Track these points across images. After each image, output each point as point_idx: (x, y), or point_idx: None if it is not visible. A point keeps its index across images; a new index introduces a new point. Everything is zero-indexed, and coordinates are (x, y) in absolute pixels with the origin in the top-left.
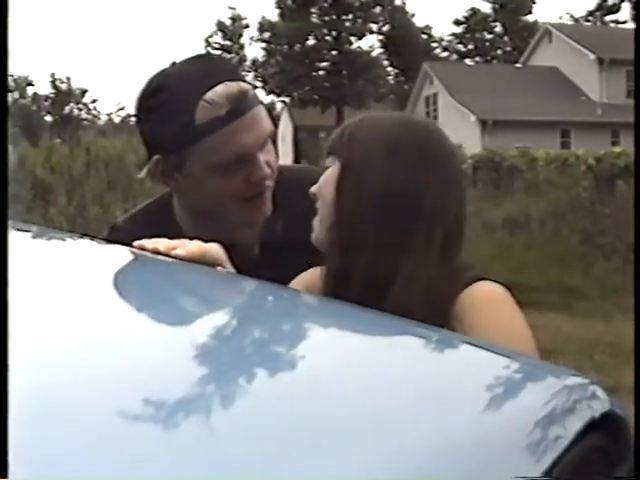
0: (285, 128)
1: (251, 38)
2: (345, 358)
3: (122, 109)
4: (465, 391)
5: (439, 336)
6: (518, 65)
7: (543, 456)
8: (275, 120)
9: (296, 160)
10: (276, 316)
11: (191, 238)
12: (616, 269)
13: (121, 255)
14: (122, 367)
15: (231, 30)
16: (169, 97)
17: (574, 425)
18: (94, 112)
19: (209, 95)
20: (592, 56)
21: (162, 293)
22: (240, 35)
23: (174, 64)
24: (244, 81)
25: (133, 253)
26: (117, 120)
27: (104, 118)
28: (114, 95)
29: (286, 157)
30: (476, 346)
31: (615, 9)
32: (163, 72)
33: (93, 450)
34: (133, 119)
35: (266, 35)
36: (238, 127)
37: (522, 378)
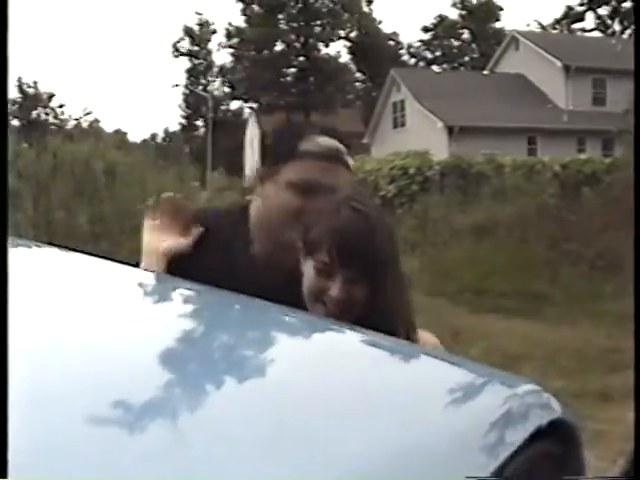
0: (252, 134)
1: (219, 44)
2: (305, 366)
3: (89, 114)
4: (417, 398)
5: (400, 347)
6: (485, 72)
7: (490, 460)
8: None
9: (263, 164)
10: (241, 325)
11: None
12: (582, 275)
13: (93, 264)
14: (92, 371)
15: (199, 36)
16: (290, 131)
17: (522, 431)
18: (61, 117)
19: (316, 137)
20: (559, 64)
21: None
22: (208, 41)
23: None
24: (347, 146)
25: (105, 263)
26: (85, 125)
27: (72, 123)
28: (82, 100)
29: (254, 162)
30: (433, 356)
31: (581, 17)
32: (293, 120)
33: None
34: (101, 124)
35: (234, 41)
36: (322, 165)
37: (474, 386)
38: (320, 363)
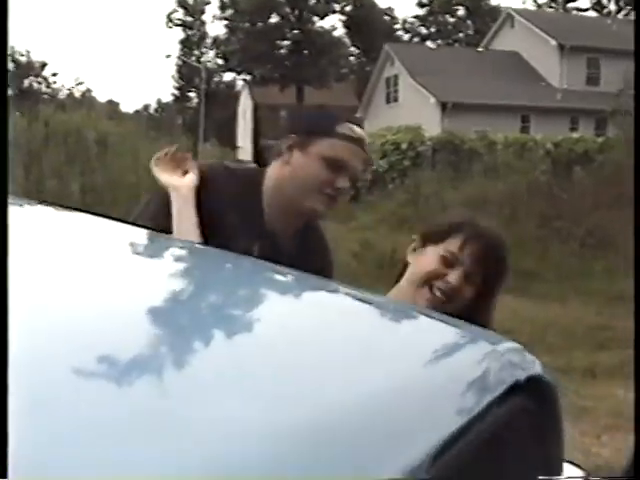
0: (245, 106)
1: (213, 15)
2: (293, 321)
3: (81, 83)
4: (401, 351)
5: (390, 304)
6: (480, 49)
7: (466, 410)
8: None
9: (255, 137)
10: (232, 283)
11: (276, 199)
12: (572, 253)
13: (82, 221)
14: (81, 328)
15: (192, 6)
16: (327, 114)
17: (500, 385)
18: (54, 86)
19: (351, 125)
20: (553, 42)
21: (124, 259)
22: (202, 12)
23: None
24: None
25: (97, 220)
26: (77, 94)
27: (64, 92)
28: (74, 69)
29: (246, 133)
30: (422, 314)
31: None
32: (324, 106)
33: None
34: (93, 94)
35: (228, 12)
36: (355, 148)
37: (457, 342)
38: (308, 318)
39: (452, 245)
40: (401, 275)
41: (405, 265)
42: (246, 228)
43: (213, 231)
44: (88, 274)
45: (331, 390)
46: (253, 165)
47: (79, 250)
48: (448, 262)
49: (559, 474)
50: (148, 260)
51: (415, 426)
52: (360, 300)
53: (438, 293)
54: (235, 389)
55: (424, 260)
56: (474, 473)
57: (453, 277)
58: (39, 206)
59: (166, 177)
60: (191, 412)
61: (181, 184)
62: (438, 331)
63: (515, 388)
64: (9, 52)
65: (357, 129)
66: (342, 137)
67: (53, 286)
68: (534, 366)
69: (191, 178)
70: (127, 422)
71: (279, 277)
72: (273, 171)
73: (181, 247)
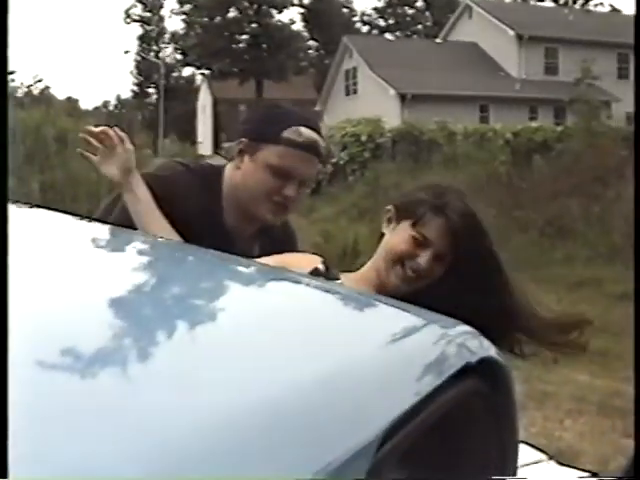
0: (205, 101)
1: (171, 10)
2: (252, 310)
3: (40, 81)
4: (353, 336)
5: (347, 292)
6: (438, 40)
7: (417, 392)
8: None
9: (215, 132)
10: (194, 275)
11: (232, 202)
12: (532, 241)
13: (46, 218)
14: (42, 320)
15: (150, 2)
16: (277, 113)
17: (451, 367)
18: (12, 84)
19: (299, 127)
20: (511, 32)
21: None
22: (160, 7)
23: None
24: (322, 138)
25: (57, 216)
26: (35, 92)
27: (22, 90)
28: (32, 67)
29: (206, 129)
30: (377, 301)
31: None
32: (280, 104)
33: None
34: (52, 91)
35: (186, 7)
36: (301, 155)
37: (410, 326)
38: (265, 307)
39: (424, 223)
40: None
41: (381, 235)
42: (204, 227)
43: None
44: (51, 270)
45: (284, 374)
46: (209, 163)
47: (41, 247)
48: (419, 243)
49: (514, 456)
50: (111, 254)
51: (366, 407)
52: (316, 288)
53: (409, 272)
54: (194, 376)
55: (396, 239)
56: (426, 453)
57: (423, 259)
58: None
59: (111, 170)
60: (154, 399)
61: (134, 181)
62: (391, 316)
63: (468, 371)
64: None
65: (306, 132)
66: (288, 143)
67: (18, 284)
68: (488, 350)
69: (135, 176)
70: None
71: (240, 268)
72: (228, 174)
73: (143, 241)
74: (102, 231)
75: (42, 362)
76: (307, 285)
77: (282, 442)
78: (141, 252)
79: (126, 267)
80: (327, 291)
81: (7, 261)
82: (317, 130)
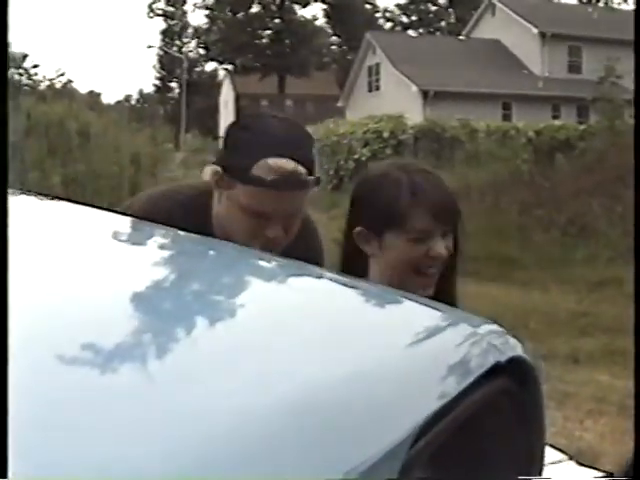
0: (227, 95)
1: (194, 5)
2: (277, 307)
3: (63, 74)
4: (382, 335)
5: (370, 288)
6: (461, 37)
7: (447, 391)
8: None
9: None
10: (211, 269)
11: (219, 234)
12: (553, 240)
13: (65, 210)
14: (65, 316)
15: None
16: (250, 140)
17: (481, 366)
18: (35, 77)
19: (270, 160)
20: (535, 30)
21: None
22: (183, 2)
23: (273, 116)
24: (310, 161)
25: (79, 209)
26: (58, 85)
27: (45, 83)
28: (55, 60)
29: (228, 123)
30: (402, 297)
31: None
32: (259, 119)
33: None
34: (74, 85)
35: (209, 2)
36: (271, 195)
37: (437, 325)
38: (289, 303)
39: (412, 222)
40: (354, 259)
41: (354, 249)
42: None
43: None
44: (72, 262)
45: (312, 371)
46: (197, 186)
47: (63, 239)
48: (422, 241)
49: (541, 456)
50: (132, 248)
51: (397, 406)
52: (342, 284)
53: (431, 271)
54: (217, 372)
55: (396, 253)
56: (455, 454)
57: (440, 249)
58: (22, 196)
59: None
60: (176, 396)
61: None
62: (419, 314)
63: (496, 370)
64: None
65: (279, 165)
66: (258, 183)
67: (40, 276)
68: (516, 348)
69: None
70: (126, 420)
71: (262, 263)
72: (214, 206)
73: (164, 235)
74: (123, 224)
75: (62, 356)
76: (331, 280)
77: (313, 442)
78: (162, 246)
79: (146, 261)
80: (353, 287)
81: (7, 254)
82: (299, 155)
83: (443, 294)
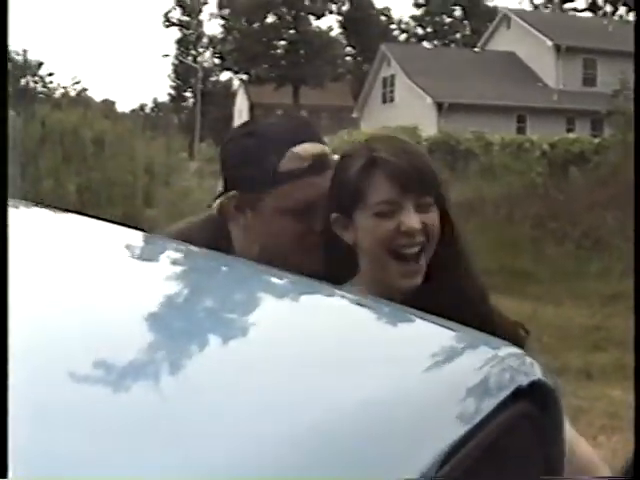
0: (242, 105)
1: (210, 14)
2: (290, 325)
3: (78, 83)
4: (400, 357)
5: (385, 307)
6: (476, 49)
7: (470, 416)
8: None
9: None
10: (229, 286)
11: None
12: (567, 254)
13: (78, 224)
14: (79, 331)
15: (190, 6)
16: (259, 143)
17: (502, 391)
18: (50, 85)
19: (297, 149)
20: (549, 43)
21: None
22: (199, 11)
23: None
24: (324, 143)
25: (92, 223)
26: (73, 93)
27: (60, 91)
28: (71, 68)
29: None
30: (418, 318)
31: None
32: (255, 122)
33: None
34: (90, 93)
35: (225, 12)
36: (314, 181)
37: (457, 347)
38: (305, 322)
39: (373, 193)
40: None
41: (335, 240)
42: None
43: None
44: (85, 277)
45: (331, 396)
46: (205, 225)
47: (75, 253)
48: (389, 214)
49: (560, 476)
50: (146, 263)
51: (420, 433)
52: (358, 304)
53: (409, 252)
54: (234, 393)
55: (365, 233)
56: (476, 477)
57: (412, 222)
58: (35, 208)
59: None
60: (191, 417)
61: None
62: (437, 336)
63: (517, 394)
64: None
65: (306, 151)
66: (293, 176)
67: (51, 289)
68: (536, 371)
69: None
70: (126, 426)
71: (277, 280)
72: (235, 238)
73: (177, 250)
74: (134, 238)
75: (74, 373)
76: (346, 299)
77: (337, 468)
78: (174, 261)
79: (159, 276)
80: (367, 306)
81: (7, 262)
82: (314, 136)
83: (451, 290)
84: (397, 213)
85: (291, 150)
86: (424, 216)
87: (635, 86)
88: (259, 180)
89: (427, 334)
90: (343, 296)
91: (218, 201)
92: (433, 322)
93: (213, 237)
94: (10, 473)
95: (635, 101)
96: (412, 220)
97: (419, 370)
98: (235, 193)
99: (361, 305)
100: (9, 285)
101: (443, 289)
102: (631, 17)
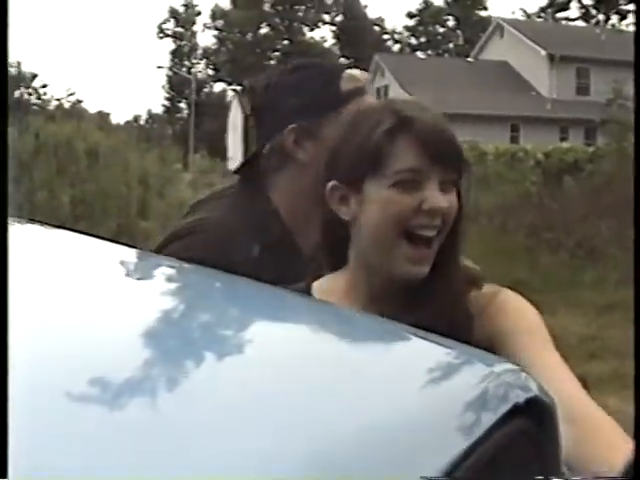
0: (236, 116)
1: (204, 25)
2: (285, 344)
3: (72, 94)
4: (393, 377)
5: (379, 324)
6: (469, 59)
7: (467, 435)
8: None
9: (246, 148)
10: (224, 304)
11: (283, 219)
12: (562, 263)
13: (74, 241)
14: (73, 350)
15: (184, 17)
16: (313, 71)
17: (499, 408)
18: (44, 97)
19: (350, 71)
20: (543, 52)
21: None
22: (193, 22)
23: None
24: None
25: (88, 240)
26: (67, 105)
27: (54, 103)
28: (65, 80)
29: (237, 145)
30: (412, 335)
31: (565, 6)
32: (292, 61)
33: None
34: (84, 105)
35: (219, 23)
36: (369, 99)
37: (452, 364)
38: (300, 340)
39: (395, 159)
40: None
41: (328, 218)
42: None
43: None
44: (79, 295)
45: (326, 418)
46: (231, 190)
47: (69, 270)
48: (411, 187)
49: None
50: (141, 280)
51: (416, 453)
52: (349, 320)
53: (427, 234)
54: (233, 415)
55: (378, 208)
56: None
57: (439, 200)
58: (28, 225)
59: None
60: (189, 438)
61: None
62: (432, 353)
63: (514, 410)
64: None
65: (360, 72)
66: (353, 95)
67: (46, 306)
68: (531, 387)
69: None
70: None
71: (272, 297)
72: (285, 185)
73: (172, 267)
74: (128, 255)
75: (70, 393)
76: (341, 317)
77: None
78: (169, 278)
79: (151, 294)
80: (359, 323)
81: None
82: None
83: (446, 279)
84: (420, 187)
85: (346, 72)
86: (446, 196)
87: (635, 88)
88: (322, 105)
89: (420, 351)
90: (335, 310)
91: (269, 144)
92: (426, 339)
93: (245, 196)
94: (10, 473)
95: (635, 101)
96: (438, 197)
97: (414, 389)
98: (293, 126)
99: (352, 321)
100: (9, 302)
101: (437, 279)
102: (624, 26)
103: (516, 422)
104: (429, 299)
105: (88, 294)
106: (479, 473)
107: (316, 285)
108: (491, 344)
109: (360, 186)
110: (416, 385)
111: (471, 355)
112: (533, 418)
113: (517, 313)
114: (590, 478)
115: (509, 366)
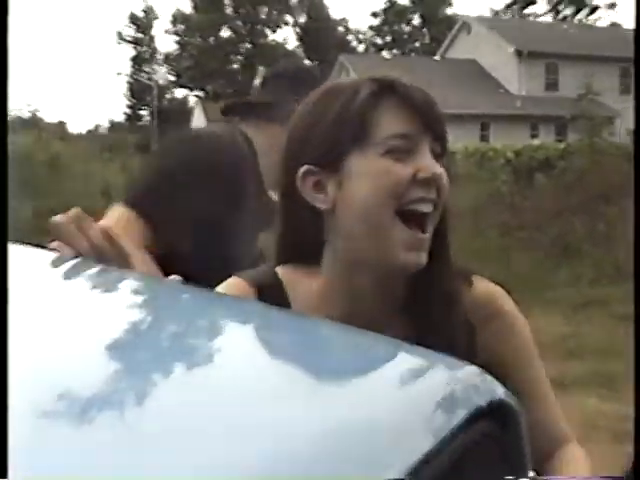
0: (198, 122)
1: (165, 30)
2: (252, 354)
3: (29, 105)
4: (354, 382)
5: (344, 332)
6: (436, 58)
7: (429, 438)
8: None
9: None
10: (189, 316)
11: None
12: (537, 261)
13: (33, 255)
14: (37, 364)
15: (143, 23)
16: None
17: (462, 411)
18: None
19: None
20: (511, 48)
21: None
22: (150, 27)
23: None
24: None
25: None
26: (25, 116)
27: (12, 114)
28: (22, 90)
29: None
30: (377, 341)
31: (532, 1)
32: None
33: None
34: (43, 114)
35: (180, 28)
36: None
37: (415, 369)
38: (266, 349)
39: (384, 124)
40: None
41: (298, 208)
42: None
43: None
44: (41, 310)
45: (290, 421)
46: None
47: (28, 285)
48: (403, 155)
49: None
50: (105, 294)
51: (383, 454)
52: (316, 328)
53: (424, 209)
54: (200, 422)
55: (365, 182)
56: None
57: (434, 166)
58: None
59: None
60: (157, 443)
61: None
62: (394, 358)
63: (478, 414)
64: None
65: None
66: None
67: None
68: (497, 391)
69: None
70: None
71: (238, 309)
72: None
73: (137, 279)
74: (92, 269)
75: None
76: (304, 324)
77: None
78: (135, 291)
79: (120, 307)
80: (322, 329)
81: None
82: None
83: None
84: (413, 155)
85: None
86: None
87: (635, 88)
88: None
89: (383, 356)
90: (303, 320)
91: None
92: (388, 343)
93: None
94: (10, 473)
95: (635, 101)
96: (434, 165)
97: (378, 393)
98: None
99: (318, 328)
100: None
101: (432, 274)
102: (592, 20)
103: (480, 425)
104: (424, 300)
105: (53, 309)
106: (443, 475)
107: (283, 273)
108: (488, 361)
109: (339, 165)
110: (380, 389)
111: (435, 359)
112: (497, 421)
113: (511, 329)
114: (587, 478)
115: (472, 369)
